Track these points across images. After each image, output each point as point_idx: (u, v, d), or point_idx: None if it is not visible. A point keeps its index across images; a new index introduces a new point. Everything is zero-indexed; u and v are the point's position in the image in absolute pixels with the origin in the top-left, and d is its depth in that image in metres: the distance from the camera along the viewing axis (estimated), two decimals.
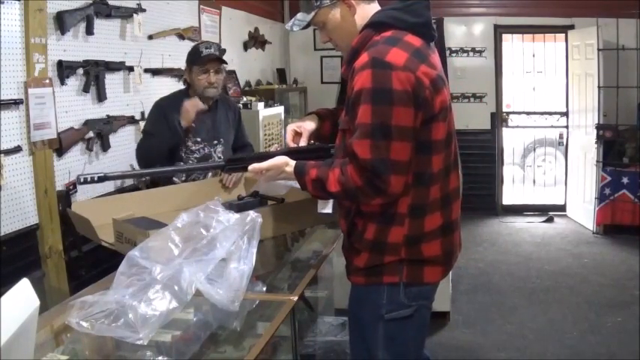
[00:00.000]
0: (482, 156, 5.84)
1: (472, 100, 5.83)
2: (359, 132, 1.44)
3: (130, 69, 3.22)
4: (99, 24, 2.93)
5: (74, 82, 2.82)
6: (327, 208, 1.80)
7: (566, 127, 5.88)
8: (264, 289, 1.70)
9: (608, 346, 3.10)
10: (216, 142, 2.64)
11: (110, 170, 3.08)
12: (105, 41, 3.02)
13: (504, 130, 6.08)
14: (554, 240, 5.12)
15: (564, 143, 5.98)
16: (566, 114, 5.87)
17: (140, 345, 1.27)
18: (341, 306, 3.02)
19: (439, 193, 1.56)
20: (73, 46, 2.79)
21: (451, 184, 1.61)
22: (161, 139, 2.49)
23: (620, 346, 3.08)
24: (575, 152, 5.75)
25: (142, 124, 3.26)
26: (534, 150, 6.89)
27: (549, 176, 6.59)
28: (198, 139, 2.59)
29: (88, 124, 2.91)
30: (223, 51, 2.79)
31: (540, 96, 6.18)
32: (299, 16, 1.63)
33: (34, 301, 1.02)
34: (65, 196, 2.70)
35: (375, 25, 1.54)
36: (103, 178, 1.72)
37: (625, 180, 5.05)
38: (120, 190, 3.14)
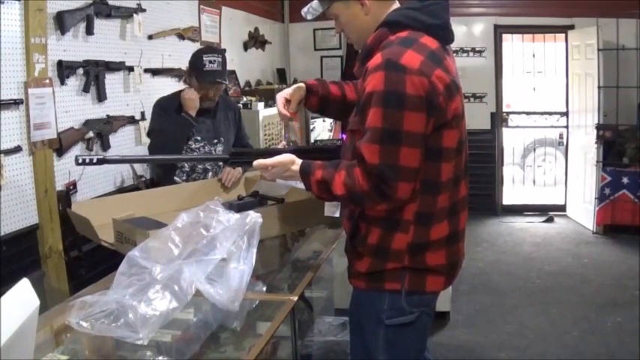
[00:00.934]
0: (482, 156, 5.84)
1: (472, 100, 5.83)
2: (368, 135, 1.41)
3: (130, 69, 3.22)
4: (99, 24, 2.93)
5: (74, 82, 2.82)
6: (335, 212, 1.80)
7: (566, 127, 5.88)
8: (264, 289, 1.70)
9: (608, 346, 3.10)
10: (216, 141, 2.64)
11: (110, 170, 3.11)
12: (105, 41, 3.02)
13: (504, 130, 6.07)
14: (554, 240, 5.12)
15: (564, 143, 5.98)
16: (566, 114, 5.87)
17: (140, 345, 1.27)
18: (341, 306, 3.02)
19: (448, 202, 1.52)
20: (73, 46, 2.79)
21: (460, 193, 1.57)
22: (171, 132, 2.49)
23: (620, 346, 3.08)
24: (575, 152, 5.74)
25: (142, 124, 3.26)
26: (534, 150, 6.89)
27: (549, 176, 6.59)
28: (199, 138, 2.60)
29: (88, 124, 2.91)
30: (224, 50, 2.79)
31: (540, 96, 6.18)
32: (314, 4, 1.61)
33: (34, 301, 1.02)
34: (65, 196, 2.70)
35: (391, 24, 1.50)
36: (102, 161, 1.73)
37: (625, 180, 5.05)
38: (120, 190, 3.14)
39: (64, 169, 2.76)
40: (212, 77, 2.52)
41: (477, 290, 3.90)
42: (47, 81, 2.58)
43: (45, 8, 2.55)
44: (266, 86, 5.32)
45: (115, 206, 2.12)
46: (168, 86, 3.51)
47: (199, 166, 2.61)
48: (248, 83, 5.14)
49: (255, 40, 5.29)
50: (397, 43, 1.44)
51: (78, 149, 2.86)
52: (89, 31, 2.86)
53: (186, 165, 2.62)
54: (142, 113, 3.30)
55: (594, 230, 5.25)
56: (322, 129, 5.60)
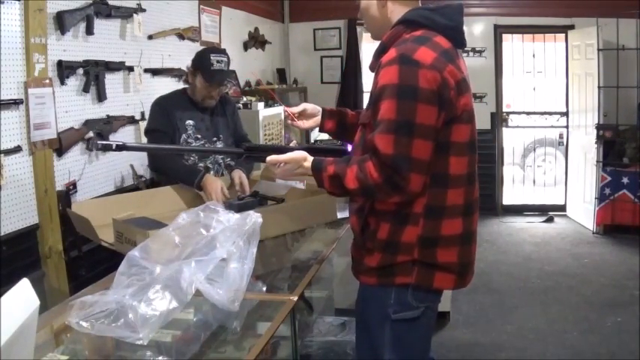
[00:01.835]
0: (482, 156, 5.72)
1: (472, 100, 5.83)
2: (382, 127, 1.42)
3: (130, 69, 3.22)
4: (99, 24, 2.94)
5: (74, 82, 2.82)
6: (345, 212, 1.82)
7: (566, 127, 5.88)
8: (264, 289, 1.70)
9: (608, 346, 3.10)
10: (215, 138, 2.64)
11: (110, 170, 3.11)
12: (105, 41, 3.02)
13: (504, 130, 6.07)
14: (554, 240, 5.12)
15: (564, 143, 5.98)
16: (566, 114, 5.87)
17: (140, 345, 1.27)
18: (341, 306, 3.02)
19: (462, 199, 1.53)
20: (73, 46, 2.79)
21: (475, 193, 1.59)
22: (167, 133, 2.49)
23: (620, 346, 3.08)
24: (575, 152, 5.74)
25: (142, 124, 3.26)
26: (534, 150, 6.89)
27: (549, 176, 6.59)
28: (198, 136, 2.60)
29: (88, 124, 2.91)
30: (225, 50, 2.79)
31: (540, 96, 6.18)
32: None
33: (34, 301, 1.02)
34: (65, 196, 2.70)
35: (407, 22, 1.54)
36: (121, 147, 1.75)
37: (625, 180, 5.05)
38: (120, 190, 3.14)
39: (64, 169, 2.76)
40: (220, 77, 2.53)
41: (477, 290, 3.89)
42: (47, 81, 2.58)
43: (45, 8, 2.55)
44: (266, 86, 5.32)
45: (115, 206, 2.12)
46: (168, 86, 3.51)
47: (200, 165, 2.61)
48: (248, 83, 5.14)
49: (255, 40, 5.29)
50: (411, 40, 1.48)
51: (78, 149, 2.86)
52: (89, 31, 2.86)
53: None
54: (142, 113, 3.30)
55: (594, 230, 5.25)
56: None
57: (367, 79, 6.10)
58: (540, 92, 6.17)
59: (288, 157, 1.61)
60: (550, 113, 6.03)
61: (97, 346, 1.39)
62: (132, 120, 3.25)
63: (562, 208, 5.96)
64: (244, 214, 1.54)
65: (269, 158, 1.63)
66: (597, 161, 5.18)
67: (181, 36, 3.81)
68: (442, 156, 1.48)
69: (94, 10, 2.88)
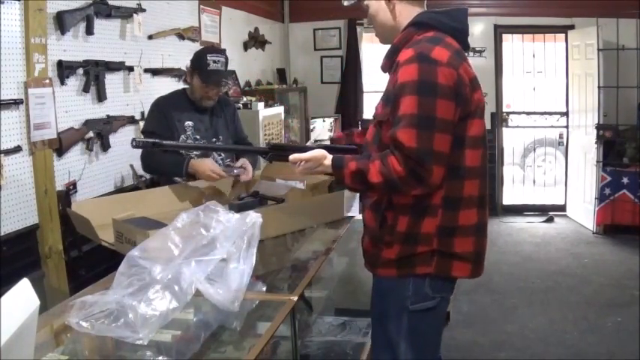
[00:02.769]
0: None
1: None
2: (404, 122, 1.48)
3: (130, 69, 3.22)
4: (99, 24, 2.94)
5: (74, 82, 2.82)
6: (352, 210, 1.85)
7: (566, 127, 5.88)
8: (264, 289, 1.70)
9: (608, 346, 3.10)
10: (215, 139, 2.64)
11: (110, 170, 3.11)
12: (105, 41, 3.02)
13: (504, 130, 6.07)
14: (554, 240, 5.12)
15: (564, 143, 5.98)
16: (566, 114, 5.87)
17: (140, 345, 1.27)
18: (341, 306, 3.01)
19: (477, 190, 1.60)
20: (73, 46, 2.79)
21: (487, 187, 1.66)
22: (163, 135, 2.49)
23: (620, 346, 3.08)
24: (575, 152, 5.74)
25: (142, 124, 3.26)
26: (534, 150, 6.89)
27: (549, 176, 6.59)
28: (197, 137, 2.60)
29: (88, 124, 2.91)
30: (225, 50, 2.79)
31: (540, 96, 6.17)
32: None
33: (34, 301, 1.02)
34: (65, 196, 2.70)
35: (418, 24, 1.61)
36: (158, 145, 1.88)
37: (625, 180, 5.05)
38: (120, 190, 3.14)
39: (64, 169, 2.76)
40: (217, 77, 2.53)
41: (477, 290, 3.89)
42: (47, 81, 2.58)
43: (45, 8, 2.55)
44: (266, 86, 5.32)
45: (115, 206, 2.12)
46: (168, 86, 3.51)
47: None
48: (248, 83, 5.14)
49: (255, 40, 5.29)
50: (425, 40, 1.55)
51: (78, 149, 2.86)
52: (89, 31, 2.86)
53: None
54: (142, 113, 3.30)
55: (594, 230, 5.24)
56: (322, 129, 5.60)
57: (367, 79, 6.10)
58: (540, 92, 6.17)
59: (309, 155, 1.67)
60: (550, 113, 6.02)
61: (97, 346, 1.39)
62: (132, 120, 3.25)
63: (562, 208, 5.96)
64: (244, 214, 1.54)
65: (292, 157, 1.69)
66: (597, 161, 5.18)
67: (181, 36, 3.81)
68: (459, 149, 1.55)
69: (94, 10, 2.88)
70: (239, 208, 2.01)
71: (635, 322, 3.33)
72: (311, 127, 5.61)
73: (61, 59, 2.69)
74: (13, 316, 0.95)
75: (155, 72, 3.49)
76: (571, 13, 5.56)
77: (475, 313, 3.57)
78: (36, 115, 2.51)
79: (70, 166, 2.79)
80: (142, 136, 2.67)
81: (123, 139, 3.19)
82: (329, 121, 5.77)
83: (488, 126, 5.81)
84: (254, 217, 1.53)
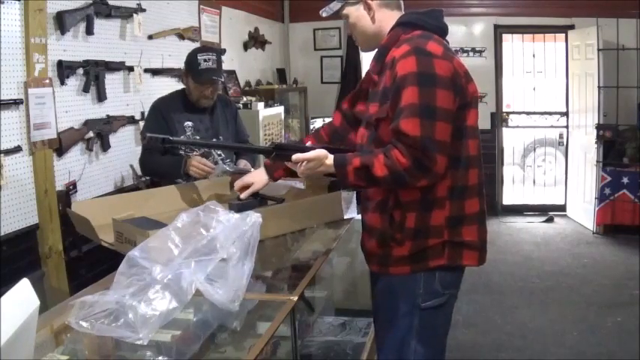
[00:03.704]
0: (482, 156, 5.83)
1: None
2: (406, 112, 1.50)
3: (130, 69, 3.22)
4: (99, 24, 2.94)
5: (74, 82, 2.82)
6: (349, 211, 1.85)
7: (566, 127, 5.88)
8: (264, 289, 1.70)
9: (608, 346, 3.10)
10: (215, 139, 2.64)
11: (110, 170, 3.11)
12: (105, 41, 3.02)
13: (504, 130, 6.07)
14: (554, 240, 5.12)
15: (564, 143, 5.98)
16: (566, 114, 5.87)
17: (140, 345, 1.27)
18: (341, 306, 3.02)
19: (477, 179, 1.64)
20: (73, 46, 2.79)
21: (482, 175, 1.69)
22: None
23: (620, 346, 3.08)
24: (575, 152, 5.74)
25: (142, 124, 3.26)
26: (534, 150, 6.89)
27: (549, 176, 6.59)
28: (198, 137, 2.60)
29: (88, 124, 2.91)
30: (223, 51, 2.80)
31: (540, 96, 6.18)
32: (331, 4, 1.77)
33: (34, 301, 1.02)
34: (65, 196, 2.70)
35: (404, 24, 1.66)
36: (167, 141, 1.92)
37: (625, 180, 5.05)
38: (120, 190, 3.14)
39: (64, 169, 2.76)
40: (208, 75, 2.52)
41: (477, 290, 3.89)
42: (47, 81, 2.58)
43: (45, 8, 2.55)
44: (266, 86, 5.32)
45: (115, 206, 2.11)
46: (168, 86, 3.51)
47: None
48: (248, 83, 5.13)
49: (255, 40, 5.29)
50: (417, 37, 1.60)
51: (78, 149, 2.86)
52: (89, 31, 2.86)
53: None
54: (142, 113, 3.30)
55: (594, 230, 5.25)
56: None
57: None
58: (540, 92, 6.17)
59: (312, 155, 1.67)
60: (550, 113, 6.03)
61: (97, 346, 1.39)
62: (132, 120, 3.25)
63: (562, 208, 5.96)
64: (244, 214, 1.54)
65: (295, 157, 1.70)
66: (597, 161, 5.18)
67: (181, 36, 3.81)
68: (460, 139, 1.59)
69: (94, 10, 2.88)
70: (239, 208, 2.00)
71: (635, 322, 3.33)
72: (311, 127, 5.61)
73: (61, 59, 2.69)
74: (13, 316, 0.95)
75: (155, 72, 3.49)
76: (571, 13, 5.56)
77: (475, 313, 3.57)
78: (36, 115, 2.51)
79: (70, 166, 2.79)
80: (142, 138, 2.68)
81: (123, 139, 3.19)
82: (329, 121, 5.77)
83: (488, 126, 5.89)
84: (254, 217, 1.53)
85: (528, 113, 6.11)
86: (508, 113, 6.09)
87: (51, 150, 2.63)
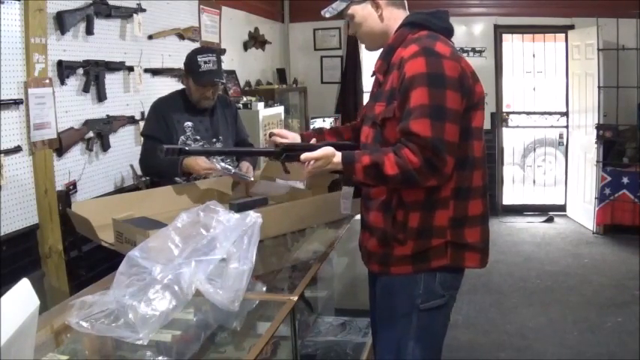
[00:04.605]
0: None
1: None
2: (416, 113, 1.50)
3: (130, 69, 3.22)
4: (99, 24, 2.93)
5: (74, 82, 2.82)
6: (349, 209, 1.85)
7: (566, 127, 5.88)
8: (264, 289, 1.70)
9: (608, 346, 3.10)
10: (215, 140, 2.64)
11: (110, 170, 3.11)
12: (105, 41, 3.02)
13: (504, 130, 6.07)
14: (554, 240, 5.12)
15: (564, 143, 5.98)
16: (566, 114, 5.87)
17: (140, 345, 1.27)
18: (341, 306, 3.02)
19: (481, 180, 1.64)
20: (73, 46, 2.79)
21: (486, 177, 1.69)
22: (162, 139, 2.49)
23: (620, 346, 3.08)
24: (575, 152, 5.74)
25: (142, 124, 3.26)
26: (534, 150, 6.88)
27: (549, 176, 6.59)
28: (198, 137, 2.60)
29: (88, 124, 2.91)
30: (223, 51, 2.80)
31: (540, 96, 6.17)
32: (334, 4, 1.74)
33: (34, 301, 1.02)
34: (65, 196, 2.70)
35: (411, 24, 1.65)
36: (185, 152, 1.90)
37: (625, 180, 5.04)
38: (120, 190, 3.14)
39: (64, 169, 2.76)
40: (209, 77, 2.52)
41: (477, 290, 3.89)
42: (47, 81, 2.58)
43: (45, 8, 2.55)
44: (266, 86, 5.32)
45: (115, 206, 2.12)
46: (168, 86, 3.51)
47: None
48: (248, 83, 5.13)
49: (255, 40, 5.29)
50: (424, 37, 1.59)
51: (78, 149, 2.86)
52: (89, 31, 2.86)
53: None
54: (142, 113, 3.30)
55: (594, 230, 5.24)
56: None
57: (367, 79, 6.09)
58: (540, 92, 6.17)
59: (320, 153, 1.64)
60: (550, 113, 6.03)
61: (97, 346, 1.39)
62: (132, 120, 3.25)
63: (562, 208, 5.96)
64: (244, 214, 1.54)
65: (302, 156, 1.67)
66: (597, 161, 5.18)
67: (181, 36, 3.81)
68: (466, 140, 1.59)
69: (94, 10, 2.88)
70: (239, 208, 2.01)
71: (635, 322, 3.33)
72: (311, 127, 5.61)
73: (61, 59, 2.69)
74: (13, 316, 0.95)
75: (155, 72, 3.49)
76: (571, 13, 5.56)
77: (475, 313, 3.57)
78: (36, 115, 2.51)
79: (70, 166, 2.79)
80: (142, 139, 2.68)
81: (123, 139, 3.19)
82: (329, 120, 5.78)
83: (488, 126, 5.89)
84: (254, 217, 1.53)
85: (528, 113, 6.11)
86: (508, 113, 6.09)
87: (51, 150, 2.63)
